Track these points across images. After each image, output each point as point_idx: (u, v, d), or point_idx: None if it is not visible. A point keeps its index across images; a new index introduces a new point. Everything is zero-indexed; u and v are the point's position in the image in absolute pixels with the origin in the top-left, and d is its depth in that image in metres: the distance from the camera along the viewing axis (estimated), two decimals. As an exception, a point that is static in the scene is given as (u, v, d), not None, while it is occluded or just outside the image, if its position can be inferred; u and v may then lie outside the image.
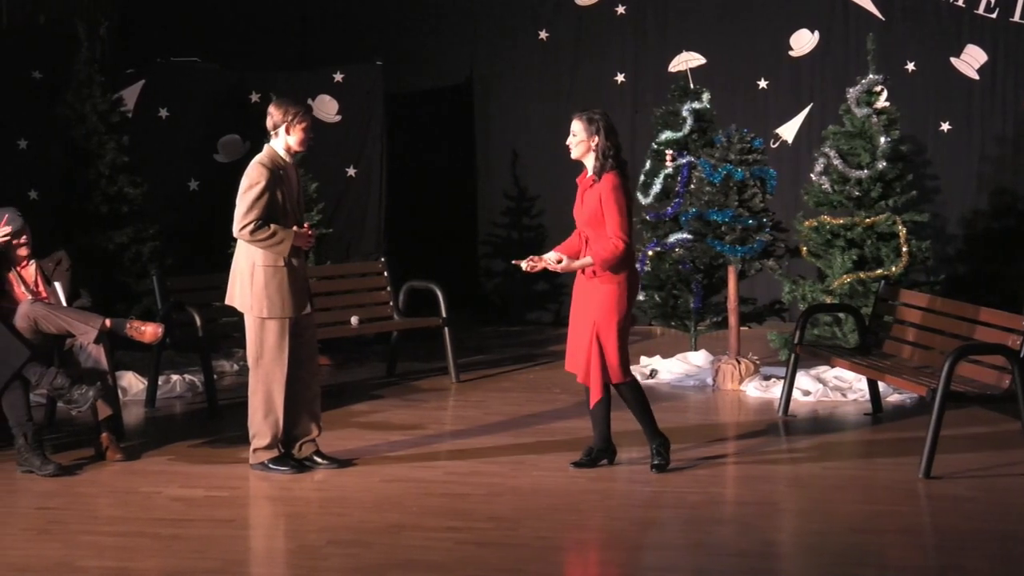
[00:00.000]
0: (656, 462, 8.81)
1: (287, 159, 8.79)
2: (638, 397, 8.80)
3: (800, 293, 12.15)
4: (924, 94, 14.92)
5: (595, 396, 8.68)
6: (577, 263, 8.65)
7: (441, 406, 11.27)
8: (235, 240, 8.83)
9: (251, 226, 8.58)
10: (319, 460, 8.96)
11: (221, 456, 9.36)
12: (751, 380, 11.59)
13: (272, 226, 8.60)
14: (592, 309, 8.60)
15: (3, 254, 9.53)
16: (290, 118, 8.70)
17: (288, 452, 8.92)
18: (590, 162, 8.70)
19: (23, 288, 9.55)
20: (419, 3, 15.75)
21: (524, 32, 15.70)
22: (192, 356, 11.65)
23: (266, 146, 8.84)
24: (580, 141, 8.68)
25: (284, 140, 8.75)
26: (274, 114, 8.77)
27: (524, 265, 8.76)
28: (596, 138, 8.64)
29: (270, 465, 8.81)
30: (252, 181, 8.65)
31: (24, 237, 9.55)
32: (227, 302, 8.97)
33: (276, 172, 8.67)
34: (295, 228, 8.71)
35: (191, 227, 13.91)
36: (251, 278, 8.69)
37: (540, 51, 15.68)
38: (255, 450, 8.86)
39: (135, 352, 11.45)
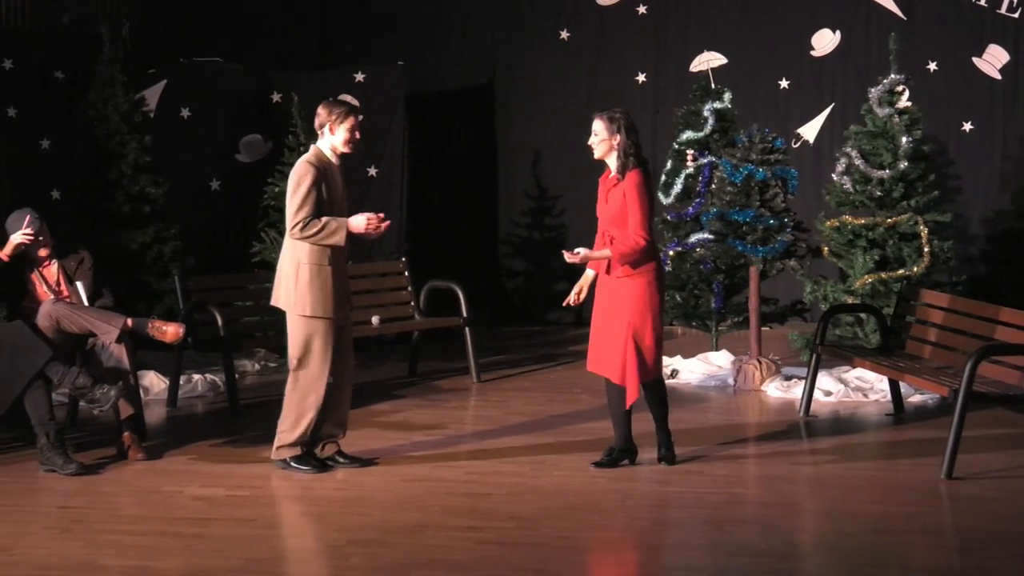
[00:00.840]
0: (665, 454, 8.93)
1: (333, 159, 8.78)
2: (663, 393, 8.88)
3: (822, 293, 12.13)
4: (946, 94, 14.89)
5: (632, 397, 8.66)
6: (596, 253, 8.67)
7: (462, 406, 11.28)
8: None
9: (301, 223, 8.57)
10: (341, 460, 8.97)
11: (242, 455, 9.37)
12: (772, 380, 11.57)
13: (323, 218, 8.59)
14: (624, 308, 8.60)
15: (24, 254, 9.56)
16: (335, 118, 8.70)
17: (311, 451, 8.93)
18: (613, 161, 8.71)
19: (45, 288, 9.58)
20: (441, 4, 15.78)
21: (545, 32, 15.71)
22: (214, 356, 11.68)
23: (313, 145, 8.83)
24: (602, 140, 8.68)
25: (329, 140, 8.75)
26: (321, 114, 8.77)
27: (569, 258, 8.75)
28: (618, 136, 8.65)
29: (291, 463, 8.82)
30: (299, 179, 8.62)
31: (42, 237, 9.57)
32: (272, 303, 8.92)
33: (322, 170, 8.66)
34: (365, 214, 8.66)
35: (213, 227, 13.95)
36: (295, 276, 8.66)
37: (561, 51, 15.69)
38: (279, 446, 8.86)
39: (157, 352, 11.48)
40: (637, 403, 8.75)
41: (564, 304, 9.05)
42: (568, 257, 8.65)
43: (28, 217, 9.54)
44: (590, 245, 8.88)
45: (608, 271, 8.68)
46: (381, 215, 8.76)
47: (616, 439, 8.93)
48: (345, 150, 8.77)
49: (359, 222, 8.63)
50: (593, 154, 8.77)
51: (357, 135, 8.79)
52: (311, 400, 8.74)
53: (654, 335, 8.63)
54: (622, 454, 8.92)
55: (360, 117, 8.86)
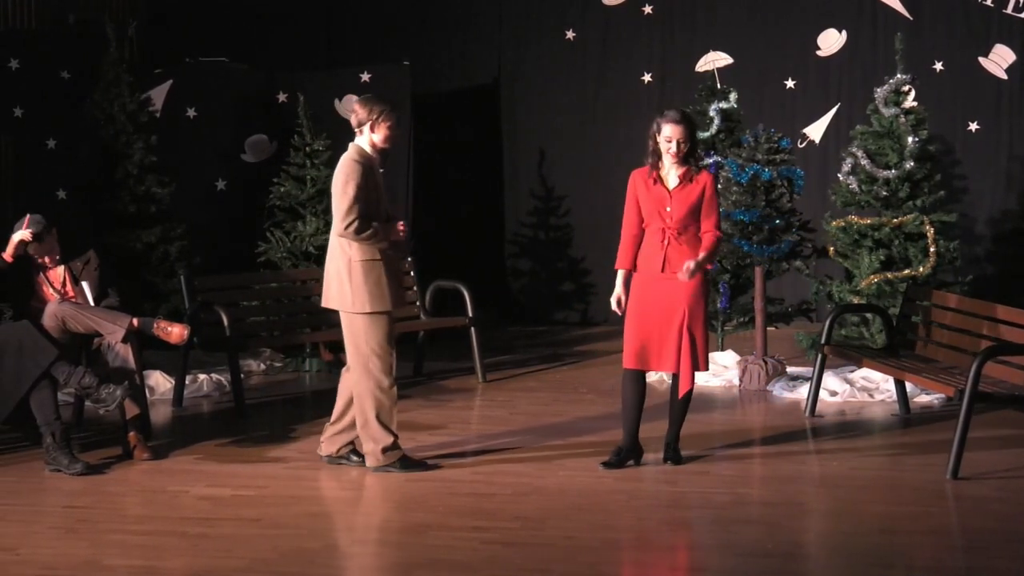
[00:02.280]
0: (672, 454, 9.01)
1: (374, 155, 8.78)
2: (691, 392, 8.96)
3: (827, 293, 12.12)
4: (952, 94, 14.87)
5: (686, 386, 8.77)
6: (696, 264, 8.65)
7: (467, 406, 11.28)
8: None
9: (356, 224, 8.55)
10: (354, 458, 8.96)
11: (248, 455, 9.38)
12: (778, 381, 11.57)
13: (372, 223, 8.60)
14: (680, 301, 8.66)
15: (30, 259, 9.56)
16: (375, 116, 8.69)
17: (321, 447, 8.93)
18: (684, 160, 8.75)
19: (51, 288, 9.59)
20: (446, 3, 15.78)
21: (551, 32, 15.71)
22: (219, 355, 11.67)
23: (352, 144, 8.79)
24: (684, 141, 8.67)
25: (369, 137, 8.74)
26: (359, 112, 8.75)
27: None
28: (696, 134, 8.85)
29: (396, 466, 8.75)
30: (348, 178, 8.60)
31: (46, 243, 9.57)
32: (324, 304, 8.89)
33: (367, 168, 8.67)
34: (392, 223, 8.73)
35: (219, 227, 13.95)
36: (349, 275, 8.64)
37: (567, 51, 15.69)
38: (383, 451, 8.74)
39: (163, 351, 11.47)
40: (651, 402, 8.82)
41: (620, 312, 8.97)
42: (683, 277, 8.64)
43: (28, 217, 9.55)
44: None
45: (663, 268, 8.71)
46: (404, 227, 8.84)
47: (624, 438, 8.94)
48: (385, 146, 8.79)
49: (395, 231, 8.71)
50: (674, 161, 8.68)
51: (398, 131, 8.83)
52: (389, 396, 8.70)
53: (706, 328, 8.82)
54: (629, 453, 8.93)
55: (396, 113, 8.86)
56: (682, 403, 8.91)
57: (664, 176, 8.75)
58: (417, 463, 8.89)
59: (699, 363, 8.77)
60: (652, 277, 8.76)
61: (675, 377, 8.84)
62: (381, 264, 8.66)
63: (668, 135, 8.65)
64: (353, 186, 8.57)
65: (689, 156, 8.72)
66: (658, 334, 8.74)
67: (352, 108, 8.86)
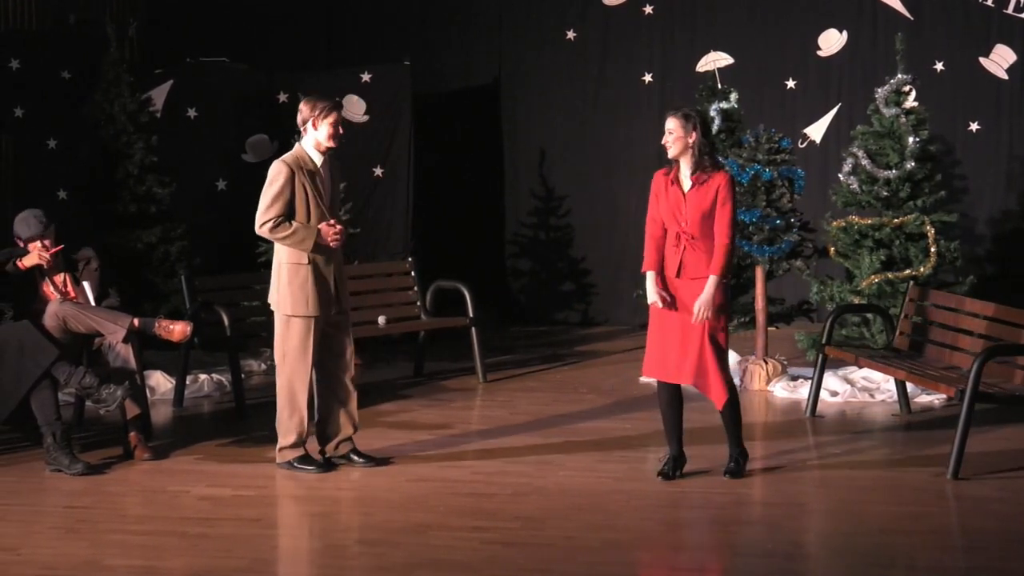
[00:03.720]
0: (732, 467, 8.76)
1: (317, 156, 8.77)
2: (737, 399, 8.77)
3: (828, 293, 12.12)
4: (953, 94, 14.86)
5: (722, 398, 8.53)
6: (707, 294, 8.39)
7: (468, 406, 11.28)
8: (262, 240, 8.86)
9: (270, 223, 8.64)
10: (356, 459, 8.97)
11: (248, 455, 9.38)
12: (779, 381, 11.57)
13: (293, 223, 8.63)
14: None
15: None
16: (317, 112, 8.69)
17: (321, 450, 8.95)
18: (687, 160, 8.51)
19: (52, 288, 9.59)
20: (447, 4, 15.78)
21: (552, 32, 15.70)
22: (220, 356, 11.68)
23: (296, 144, 8.84)
24: (677, 138, 8.48)
25: (313, 136, 8.75)
26: (303, 110, 8.77)
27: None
28: (694, 135, 8.48)
29: (295, 464, 8.84)
30: (271, 178, 8.70)
31: (48, 241, 9.57)
32: (269, 300, 9.01)
33: (299, 169, 8.67)
34: (321, 225, 8.70)
35: (219, 227, 13.95)
36: (278, 276, 8.74)
37: (568, 51, 15.68)
38: (281, 448, 8.90)
39: (163, 351, 11.48)
40: (693, 400, 8.76)
41: (662, 305, 8.61)
42: (696, 321, 8.43)
43: (29, 216, 9.53)
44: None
45: (679, 274, 8.49)
46: (338, 227, 8.76)
47: (670, 447, 8.78)
48: (330, 144, 8.76)
49: (326, 233, 8.70)
50: (667, 153, 8.55)
51: (340, 130, 8.78)
52: (299, 398, 8.79)
53: (727, 335, 8.59)
54: (677, 462, 8.77)
55: (340, 111, 8.83)
56: (729, 414, 8.66)
57: (680, 179, 8.56)
58: (319, 463, 8.90)
59: (729, 373, 8.57)
60: (670, 282, 8.54)
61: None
62: (308, 269, 8.69)
63: (665, 127, 8.54)
64: (276, 187, 8.65)
65: (698, 157, 8.50)
66: (677, 343, 8.50)
67: (299, 108, 8.85)
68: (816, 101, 15.23)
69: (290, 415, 8.82)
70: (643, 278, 8.63)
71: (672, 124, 8.53)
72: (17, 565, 6.99)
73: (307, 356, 8.74)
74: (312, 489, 8.52)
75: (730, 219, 8.46)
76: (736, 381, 11.66)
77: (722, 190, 8.45)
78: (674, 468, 8.72)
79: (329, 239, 8.71)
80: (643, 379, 12.06)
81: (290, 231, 8.63)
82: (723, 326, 8.53)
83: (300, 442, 8.85)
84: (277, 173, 8.67)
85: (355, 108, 14.33)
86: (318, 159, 8.77)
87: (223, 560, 7.06)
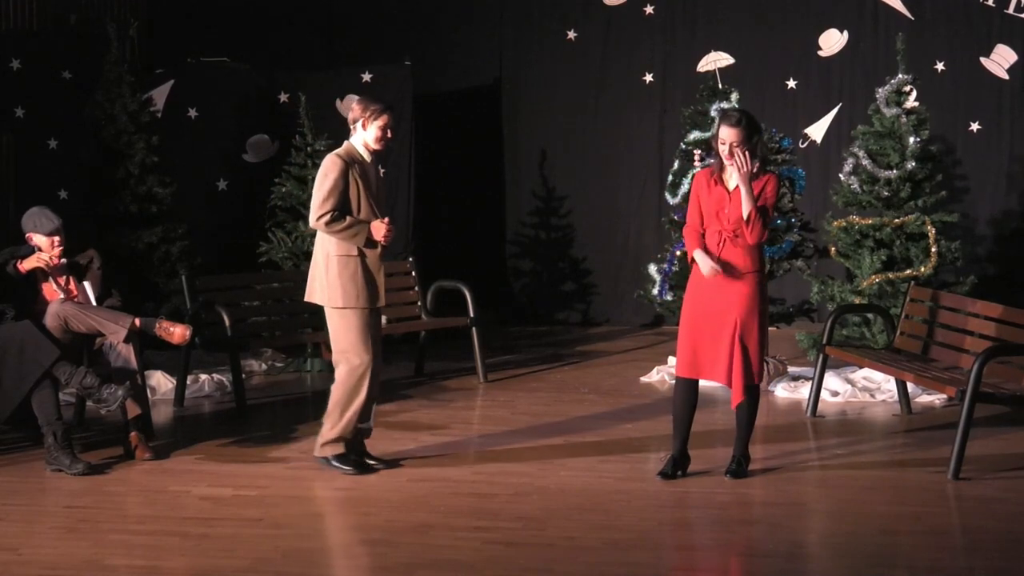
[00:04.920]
0: (735, 468, 8.71)
1: (365, 155, 8.77)
2: (757, 403, 8.66)
3: (829, 293, 12.12)
4: (954, 94, 14.88)
5: (738, 397, 8.48)
6: (707, 263, 8.38)
7: (469, 406, 11.28)
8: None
9: (327, 216, 8.57)
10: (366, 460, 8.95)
11: (249, 455, 9.38)
12: (779, 381, 11.57)
13: (348, 218, 8.60)
14: (732, 305, 8.39)
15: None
16: (367, 114, 8.68)
17: (350, 451, 8.89)
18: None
19: (54, 287, 9.59)
20: (448, 3, 15.80)
21: (553, 32, 15.72)
22: (221, 356, 11.68)
23: (346, 141, 8.82)
24: (748, 149, 8.34)
25: (362, 136, 8.74)
26: (355, 109, 8.76)
27: None
28: (757, 138, 8.41)
29: (333, 461, 8.79)
30: (325, 172, 8.65)
31: (58, 238, 9.57)
32: (307, 298, 8.93)
33: (351, 164, 8.66)
34: (374, 222, 8.68)
35: (220, 227, 13.96)
36: (326, 269, 8.68)
37: (569, 51, 15.70)
38: (323, 443, 8.79)
39: (164, 351, 11.49)
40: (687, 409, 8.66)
41: (717, 274, 8.50)
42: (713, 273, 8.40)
43: (39, 213, 9.54)
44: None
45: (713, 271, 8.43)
46: (390, 225, 8.74)
47: (674, 447, 8.74)
48: (376, 147, 8.75)
49: (378, 230, 8.65)
50: (728, 163, 8.35)
51: (389, 133, 8.77)
52: (355, 396, 8.70)
53: (760, 337, 8.47)
54: (679, 462, 8.73)
55: (392, 115, 8.81)
56: (742, 415, 8.61)
57: (726, 178, 8.49)
58: (355, 463, 8.84)
59: (752, 375, 8.47)
60: (707, 280, 8.45)
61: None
62: (358, 260, 8.66)
63: (722, 137, 8.37)
64: (331, 181, 8.61)
65: (763, 161, 8.45)
66: (711, 340, 8.45)
67: (351, 106, 8.87)
68: (817, 101, 15.25)
69: (342, 411, 8.71)
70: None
71: (733, 136, 8.36)
72: (18, 565, 6.99)
73: (366, 348, 8.68)
74: (313, 489, 8.51)
75: (768, 214, 8.44)
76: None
77: (767, 191, 8.41)
78: (674, 468, 8.70)
79: (381, 236, 8.69)
80: (643, 379, 12.08)
81: (345, 224, 8.59)
82: (758, 326, 8.45)
83: (343, 439, 8.79)
84: (331, 166, 8.64)
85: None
86: (367, 157, 8.77)
87: (224, 560, 7.06)
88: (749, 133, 8.38)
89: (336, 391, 8.76)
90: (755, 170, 8.42)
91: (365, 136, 8.72)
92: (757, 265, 8.49)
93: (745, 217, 8.35)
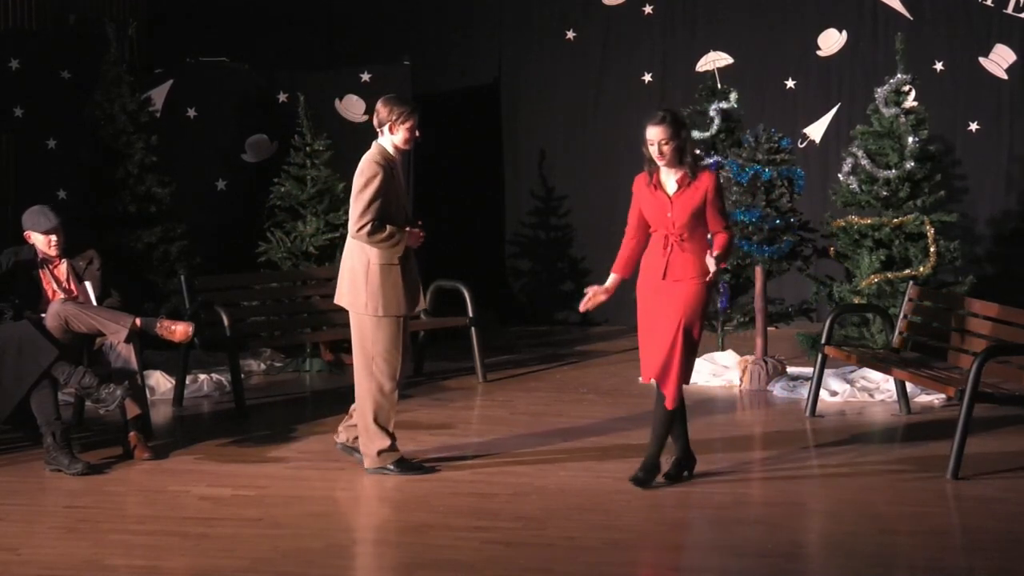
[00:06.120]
0: (640, 475, 8.49)
1: (395, 155, 8.73)
2: (683, 405, 8.56)
3: (828, 293, 12.12)
4: (953, 94, 14.87)
5: (673, 401, 8.34)
6: (713, 264, 8.27)
7: (468, 406, 11.28)
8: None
9: (369, 227, 8.47)
10: (358, 455, 8.91)
11: (249, 455, 9.38)
12: (778, 381, 11.57)
13: (388, 227, 8.53)
14: (677, 310, 8.29)
15: (35, 258, 9.59)
16: (395, 117, 8.62)
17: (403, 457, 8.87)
18: (680, 161, 8.35)
19: (55, 286, 9.59)
20: (447, 3, 15.79)
21: (552, 32, 15.71)
22: (220, 355, 11.68)
23: (375, 143, 8.72)
24: (676, 147, 8.30)
25: (390, 138, 8.69)
26: (381, 111, 8.69)
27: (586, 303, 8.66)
28: (685, 134, 8.35)
29: (392, 468, 8.73)
30: (367, 179, 8.54)
31: (56, 236, 9.58)
32: (336, 301, 8.86)
33: (388, 170, 8.62)
34: (408, 228, 8.65)
35: (219, 227, 13.95)
36: (365, 277, 8.59)
37: (568, 51, 15.69)
38: (379, 452, 8.72)
39: (163, 351, 11.49)
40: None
41: (582, 310, 8.83)
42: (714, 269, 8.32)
43: (50, 225, 9.56)
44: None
45: (664, 275, 8.35)
46: (421, 232, 8.75)
47: (676, 446, 8.66)
48: (405, 148, 8.72)
49: (414, 238, 8.66)
50: (660, 163, 8.33)
51: (417, 134, 8.73)
52: (389, 400, 8.68)
53: (697, 341, 8.40)
54: (680, 464, 8.66)
55: (418, 116, 8.75)
56: (665, 418, 8.45)
57: (663, 181, 8.41)
58: (415, 466, 8.85)
59: (686, 376, 8.34)
60: (655, 285, 8.41)
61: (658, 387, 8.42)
62: (399, 269, 8.62)
63: (649, 138, 8.31)
64: (372, 188, 8.50)
65: (681, 157, 8.35)
66: (660, 344, 8.36)
67: (376, 108, 8.80)
68: (816, 101, 15.24)
69: (376, 418, 8.68)
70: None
71: (659, 134, 8.31)
72: (17, 565, 6.99)
73: (399, 355, 8.65)
74: (313, 489, 8.52)
75: (727, 214, 8.47)
76: (736, 381, 11.71)
77: (711, 190, 8.32)
78: (678, 469, 8.64)
79: (414, 243, 8.68)
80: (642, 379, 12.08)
81: (386, 234, 8.50)
82: (698, 330, 8.35)
83: (395, 443, 8.75)
84: (373, 175, 8.53)
85: (355, 108, 14.33)
86: (396, 157, 8.73)
87: (224, 560, 7.07)
88: (675, 130, 8.30)
89: (365, 400, 8.68)
90: (688, 168, 8.33)
91: (394, 139, 8.65)
92: (701, 269, 8.34)
93: (724, 257, 8.35)
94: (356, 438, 8.92)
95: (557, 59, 15.70)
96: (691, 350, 8.36)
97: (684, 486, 8.52)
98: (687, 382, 8.41)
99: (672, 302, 8.33)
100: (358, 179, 8.59)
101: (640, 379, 8.77)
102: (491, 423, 10.50)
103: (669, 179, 8.40)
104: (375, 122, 8.72)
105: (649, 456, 8.54)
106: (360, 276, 8.62)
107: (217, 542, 7.38)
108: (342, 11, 15.81)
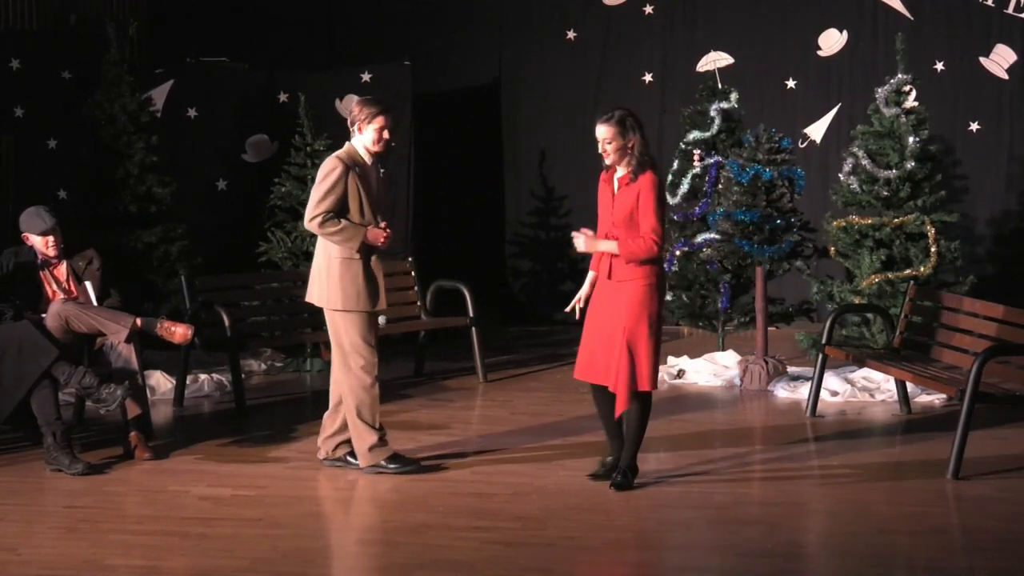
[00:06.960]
0: (619, 480, 8.38)
1: (366, 157, 8.73)
2: (647, 410, 8.40)
3: (828, 293, 12.12)
4: (953, 94, 14.87)
5: (623, 406, 8.24)
6: (603, 244, 8.30)
7: (468, 406, 11.28)
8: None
9: (319, 218, 8.54)
10: (352, 460, 8.93)
11: (248, 455, 9.38)
12: (779, 381, 11.57)
13: (342, 221, 8.56)
14: (620, 312, 8.23)
15: (34, 258, 9.59)
16: (363, 116, 8.63)
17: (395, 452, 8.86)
18: (624, 164, 8.30)
19: (55, 287, 9.59)
20: (447, 3, 15.79)
21: (552, 32, 15.71)
22: (220, 355, 11.68)
23: (347, 142, 8.78)
24: (618, 147, 8.24)
25: (360, 138, 8.71)
26: (353, 111, 8.71)
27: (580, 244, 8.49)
28: (632, 137, 8.24)
29: (385, 464, 8.75)
30: (325, 173, 8.60)
31: (53, 238, 9.58)
32: (307, 299, 8.92)
33: (352, 166, 8.62)
34: (370, 227, 8.65)
35: (219, 227, 13.96)
36: (327, 271, 8.65)
37: (568, 51, 15.69)
38: (369, 449, 8.73)
39: (163, 351, 11.49)
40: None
41: (567, 310, 8.87)
42: (578, 243, 8.37)
43: (35, 211, 9.56)
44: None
45: (609, 275, 8.34)
46: (387, 230, 8.72)
47: (611, 448, 8.66)
48: (376, 149, 8.70)
49: (375, 236, 8.62)
50: (606, 161, 8.32)
51: (386, 135, 8.69)
52: (370, 394, 8.69)
53: (650, 343, 8.22)
54: (613, 468, 8.56)
55: (389, 116, 8.73)
56: (630, 424, 8.35)
57: (615, 180, 8.37)
58: (409, 461, 8.86)
59: (638, 381, 8.20)
60: (603, 284, 8.42)
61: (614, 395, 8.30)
62: (359, 264, 8.64)
63: (597, 136, 8.27)
64: (328, 182, 8.57)
65: (627, 158, 8.23)
66: (604, 344, 8.31)
67: (350, 107, 8.85)
68: (816, 101, 15.24)
69: (370, 415, 8.70)
70: None
71: (607, 132, 8.25)
72: (17, 565, 6.99)
73: (370, 349, 8.68)
74: (312, 489, 8.52)
75: (655, 221, 8.19)
76: (736, 381, 11.71)
77: (644, 191, 8.18)
78: (608, 471, 8.55)
79: (379, 242, 8.67)
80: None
81: (339, 228, 8.55)
82: (645, 331, 8.20)
83: (384, 439, 8.77)
84: (331, 169, 8.59)
85: (355, 108, 14.31)
86: (367, 159, 8.73)
87: (224, 560, 7.06)
88: (620, 130, 8.21)
89: (349, 398, 8.72)
90: (631, 169, 8.24)
91: (363, 139, 8.69)
92: (644, 271, 8.25)
93: (624, 253, 8.21)
94: (335, 448, 8.94)
95: (557, 59, 15.70)
96: (646, 352, 8.22)
97: (684, 486, 8.52)
98: (645, 387, 8.25)
99: (617, 303, 8.30)
100: (318, 174, 8.67)
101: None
102: (491, 423, 10.49)
103: (617, 179, 8.39)
104: (348, 121, 8.76)
105: (620, 460, 8.47)
106: (323, 271, 8.69)
107: (217, 542, 7.38)
108: (342, 11, 15.81)
